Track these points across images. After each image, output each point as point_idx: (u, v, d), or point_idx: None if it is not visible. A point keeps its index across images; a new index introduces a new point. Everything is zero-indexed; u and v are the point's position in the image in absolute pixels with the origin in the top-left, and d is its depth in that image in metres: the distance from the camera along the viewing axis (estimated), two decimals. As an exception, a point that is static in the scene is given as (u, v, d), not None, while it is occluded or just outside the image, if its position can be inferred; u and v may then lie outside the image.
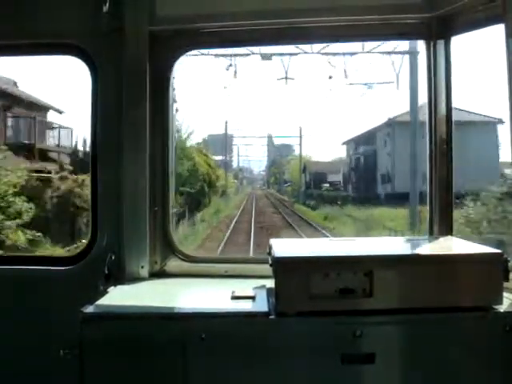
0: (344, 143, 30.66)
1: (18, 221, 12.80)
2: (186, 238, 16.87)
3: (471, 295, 2.73)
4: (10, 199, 12.99)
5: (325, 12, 3.45)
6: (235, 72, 16.18)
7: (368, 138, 27.37)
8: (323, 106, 39.69)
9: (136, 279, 3.45)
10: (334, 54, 16.70)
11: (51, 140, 19.00)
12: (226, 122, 30.15)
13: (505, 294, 2.77)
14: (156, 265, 3.59)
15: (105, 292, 3.12)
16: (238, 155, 35.77)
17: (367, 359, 2.69)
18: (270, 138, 34.64)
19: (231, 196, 32.88)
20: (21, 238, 12.56)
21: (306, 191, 30.87)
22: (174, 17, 3.53)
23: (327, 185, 28.98)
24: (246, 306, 2.87)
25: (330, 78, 17.32)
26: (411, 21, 3.52)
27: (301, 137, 30.65)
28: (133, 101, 3.50)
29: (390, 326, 2.73)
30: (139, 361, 2.71)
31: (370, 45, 16.72)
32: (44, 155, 17.65)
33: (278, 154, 36.78)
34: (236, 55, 16.08)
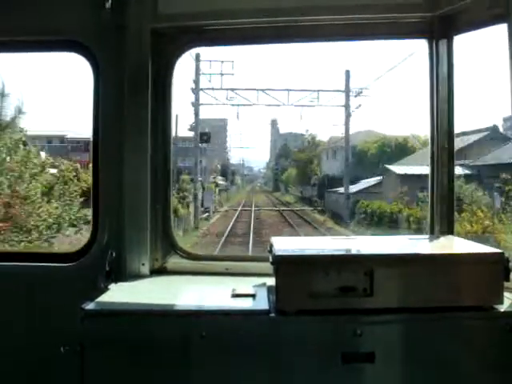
0: None
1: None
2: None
3: (472, 295, 2.73)
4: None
5: (327, 11, 3.44)
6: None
7: None
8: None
9: (137, 276, 3.46)
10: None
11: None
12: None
13: (505, 294, 2.77)
14: (157, 262, 3.59)
15: (105, 289, 3.13)
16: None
17: (367, 358, 2.69)
18: (274, 122, 26.02)
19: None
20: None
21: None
22: (176, 14, 3.52)
23: None
24: (246, 304, 2.87)
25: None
26: (413, 20, 3.50)
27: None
28: (134, 98, 3.50)
29: (390, 325, 2.73)
30: (139, 358, 2.71)
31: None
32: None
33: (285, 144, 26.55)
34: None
